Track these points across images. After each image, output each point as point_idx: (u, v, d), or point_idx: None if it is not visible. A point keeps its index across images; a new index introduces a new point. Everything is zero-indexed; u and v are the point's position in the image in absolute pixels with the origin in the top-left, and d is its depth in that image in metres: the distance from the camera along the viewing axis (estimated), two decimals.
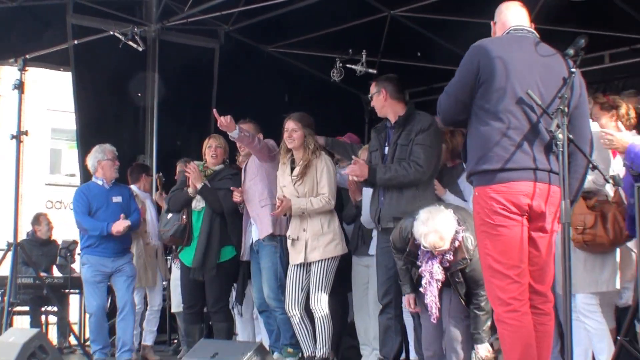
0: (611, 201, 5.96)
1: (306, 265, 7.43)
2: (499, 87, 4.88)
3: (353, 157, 7.24)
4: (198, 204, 8.29)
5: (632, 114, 6.14)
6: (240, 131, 7.57)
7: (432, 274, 6.11)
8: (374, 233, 7.46)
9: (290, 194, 7.45)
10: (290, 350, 7.77)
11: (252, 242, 7.95)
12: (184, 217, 8.35)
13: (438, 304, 6.17)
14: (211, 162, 8.32)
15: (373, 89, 7.18)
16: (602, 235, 5.86)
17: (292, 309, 7.42)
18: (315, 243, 7.37)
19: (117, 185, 8.89)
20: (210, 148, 8.30)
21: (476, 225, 5.07)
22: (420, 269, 6.20)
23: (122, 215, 8.52)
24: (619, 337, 5.56)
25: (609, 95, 5.37)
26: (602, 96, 6.27)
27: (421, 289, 6.21)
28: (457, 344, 6.27)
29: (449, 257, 6.05)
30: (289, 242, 7.52)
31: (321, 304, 7.35)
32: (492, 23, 5.32)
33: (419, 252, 6.18)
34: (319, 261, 7.37)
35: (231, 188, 8.01)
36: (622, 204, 5.92)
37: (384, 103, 7.12)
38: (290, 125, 7.49)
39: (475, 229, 5.11)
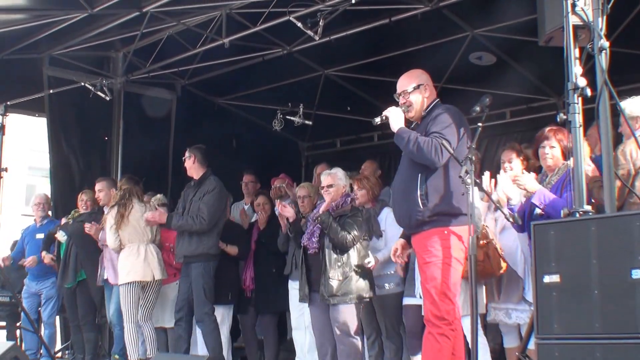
0: (490, 240, 6.05)
1: None
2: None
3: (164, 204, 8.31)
4: (62, 237, 8.95)
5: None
6: None
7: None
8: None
9: None
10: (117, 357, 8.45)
11: None
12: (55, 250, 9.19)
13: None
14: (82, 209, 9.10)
15: (186, 153, 7.79)
16: (489, 268, 6.02)
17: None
18: None
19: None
20: (82, 201, 9.09)
21: (440, 258, 5.08)
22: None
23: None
24: (517, 354, 5.55)
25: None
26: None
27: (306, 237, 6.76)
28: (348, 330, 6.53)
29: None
30: None
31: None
32: (424, 86, 5.37)
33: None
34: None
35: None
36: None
37: (192, 166, 7.81)
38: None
39: (437, 261, 5.09)
